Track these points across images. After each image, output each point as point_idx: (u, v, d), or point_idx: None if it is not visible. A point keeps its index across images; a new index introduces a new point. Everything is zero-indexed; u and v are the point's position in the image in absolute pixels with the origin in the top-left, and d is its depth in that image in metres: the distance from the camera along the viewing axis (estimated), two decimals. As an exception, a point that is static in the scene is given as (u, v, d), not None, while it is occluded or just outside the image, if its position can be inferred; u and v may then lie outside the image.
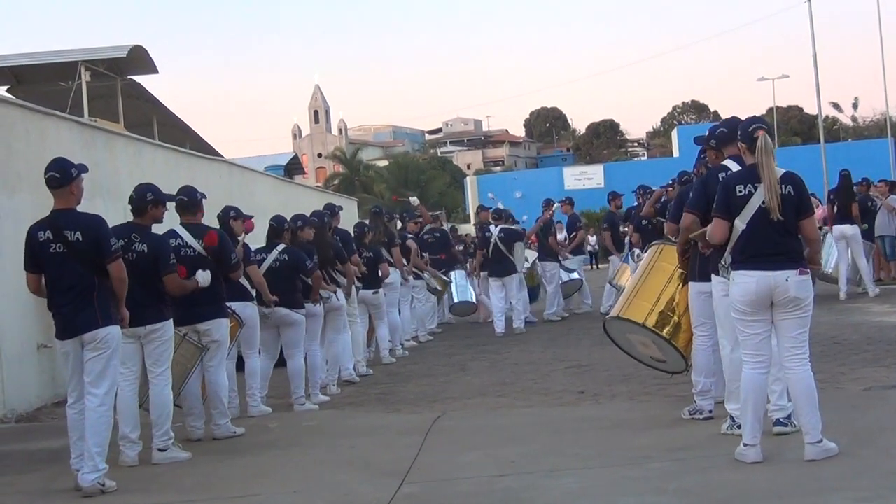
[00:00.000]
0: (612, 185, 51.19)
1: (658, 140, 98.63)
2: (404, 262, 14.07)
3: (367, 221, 13.61)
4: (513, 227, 16.24)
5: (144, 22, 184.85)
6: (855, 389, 8.31)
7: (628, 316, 7.89)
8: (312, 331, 9.95)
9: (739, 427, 6.20)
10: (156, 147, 15.13)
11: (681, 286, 7.59)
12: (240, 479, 6.73)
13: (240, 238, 9.09)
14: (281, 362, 9.80)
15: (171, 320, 7.40)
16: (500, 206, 17.97)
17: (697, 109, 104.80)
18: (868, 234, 16.92)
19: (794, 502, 5.26)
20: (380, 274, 12.47)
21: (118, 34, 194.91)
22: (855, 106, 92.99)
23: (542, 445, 7.03)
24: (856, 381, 8.67)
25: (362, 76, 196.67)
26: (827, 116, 72.13)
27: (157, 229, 7.69)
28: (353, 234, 12.47)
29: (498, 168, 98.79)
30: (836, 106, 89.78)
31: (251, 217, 9.62)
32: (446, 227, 21.83)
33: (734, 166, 6.60)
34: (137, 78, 23.09)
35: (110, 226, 6.86)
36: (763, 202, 5.91)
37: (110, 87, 22.39)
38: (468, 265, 17.98)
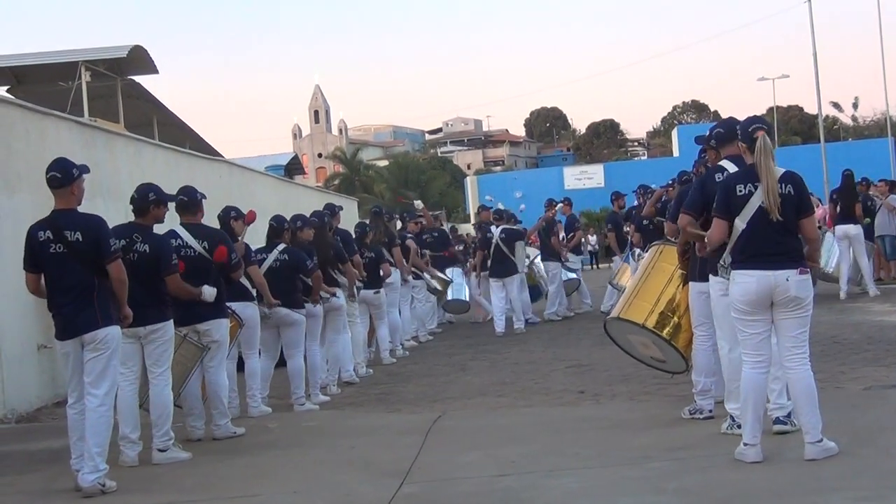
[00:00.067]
0: (612, 184, 51.16)
1: (658, 140, 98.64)
2: (404, 262, 14.08)
3: (367, 222, 13.61)
4: (514, 227, 16.23)
5: (144, 22, 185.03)
6: (855, 389, 8.31)
7: (628, 317, 7.89)
8: (312, 331, 9.95)
9: (739, 427, 6.21)
10: (156, 147, 15.13)
11: (681, 286, 7.60)
12: (240, 480, 6.73)
13: (240, 237, 9.09)
14: (281, 362, 9.80)
15: (172, 321, 7.40)
16: (501, 206, 17.97)
17: (698, 109, 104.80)
18: (868, 234, 16.93)
19: (794, 502, 5.26)
20: (381, 273, 12.49)
21: (118, 34, 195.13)
22: (855, 106, 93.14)
23: (543, 445, 7.03)
24: (856, 380, 8.67)
25: (362, 76, 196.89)
26: (827, 116, 72.16)
27: (157, 230, 7.69)
28: (354, 235, 12.48)
29: (498, 168, 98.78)
30: (836, 106, 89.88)
31: (252, 210, 9.65)
32: (446, 227, 21.85)
33: (731, 167, 6.61)
34: (137, 78, 23.11)
35: (110, 226, 6.85)
36: (763, 203, 5.91)
37: (110, 87, 22.40)
38: (468, 264, 18.01)
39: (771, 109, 61.29)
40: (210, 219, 8.71)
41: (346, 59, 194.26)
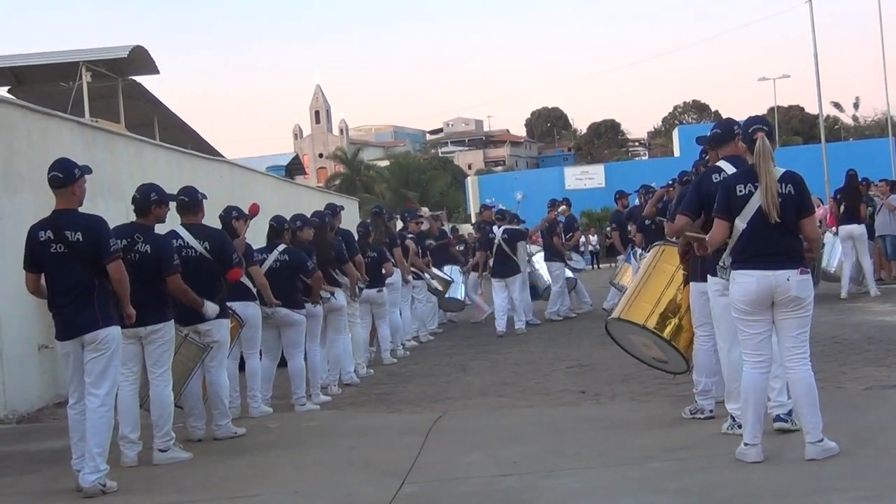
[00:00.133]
0: (612, 185, 51.11)
1: (659, 140, 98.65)
2: (404, 262, 14.09)
3: (369, 221, 13.61)
4: (516, 227, 16.23)
5: (145, 22, 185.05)
6: (856, 389, 8.31)
7: (629, 317, 7.89)
8: (312, 331, 9.95)
9: (740, 427, 6.21)
10: (157, 147, 15.12)
11: (682, 287, 7.60)
12: (240, 480, 6.73)
13: (241, 236, 9.09)
14: (281, 363, 9.80)
15: (173, 321, 7.41)
16: (501, 206, 17.97)
17: (698, 109, 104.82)
18: (868, 234, 16.93)
19: (794, 502, 5.26)
20: (383, 272, 12.51)
21: (119, 34, 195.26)
22: (856, 105, 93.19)
23: (543, 445, 7.03)
24: (856, 380, 8.68)
25: (363, 76, 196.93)
26: (828, 116, 72.18)
27: (158, 230, 7.69)
28: (356, 235, 12.50)
29: (499, 168, 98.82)
30: (837, 105, 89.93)
31: (255, 203, 9.66)
32: (447, 227, 21.86)
33: (728, 167, 6.62)
34: (138, 78, 23.09)
35: (111, 226, 6.86)
36: (762, 203, 5.92)
37: (111, 88, 22.39)
38: (468, 264, 18.06)
39: (772, 109, 61.26)
40: (211, 219, 8.71)
41: (346, 59, 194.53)
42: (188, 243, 8.05)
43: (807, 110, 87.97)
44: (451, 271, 16.94)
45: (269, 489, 6.38)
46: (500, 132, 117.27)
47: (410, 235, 15.61)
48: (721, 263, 6.17)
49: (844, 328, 12.25)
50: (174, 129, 26.02)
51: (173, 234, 8.06)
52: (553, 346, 13.41)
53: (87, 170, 6.73)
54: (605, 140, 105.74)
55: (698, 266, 6.96)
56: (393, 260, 13.20)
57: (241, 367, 9.37)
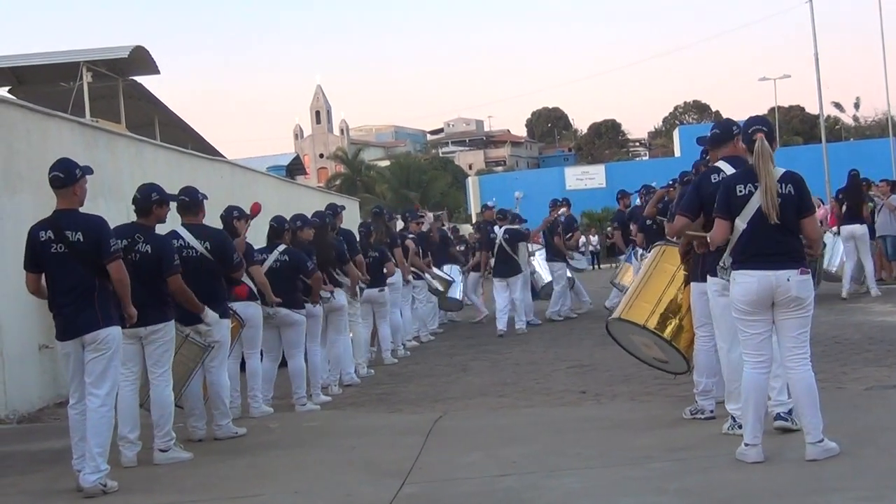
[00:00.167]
0: (613, 185, 51.11)
1: (660, 140, 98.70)
2: (404, 261, 14.11)
3: (370, 221, 13.61)
4: (517, 227, 16.23)
5: (146, 22, 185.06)
6: (856, 389, 8.31)
7: (629, 317, 7.89)
8: (312, 331, 9.95)
9: (740, 427, 6.21)
10: (157, 147, 15.13)
11: (683, 287, 7.60)
12: (241, 480, 6.73)
13: (242, 236, 9.10)
14: (282, 363, 9.80)
15: (173, 321, 7.40)
16: (517, 208, 18.01)
17: (699, 109, 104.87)
18: (869, 234, 16.93)
19: (795, 502, 5.26)
20: (385, 272, 12.53)
21: (119, 35, 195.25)
22: (856, 106, 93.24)
23: (544, 445, 7.03)
24: (857, 380, 8.67)
25: (364, 76, 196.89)
26: (829, 116, 72.23)
27: (158, 230, 7.69)
28: (359, 235, 12.53)
29: (500, 168, 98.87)
30: (837, 106, 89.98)
31: (257, 203, 9.65)
32: (447, 227, 21.87)
33: (727, 168, 6.63)
34: (139, 78, 23.11)
35: (112, 226, 6.85)
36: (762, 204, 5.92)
37: (112, 88, 22.41)
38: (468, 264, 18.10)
39: (772, 109, 61.28)
40: (212, 219, 8.71)
41: (347, 60, 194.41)
42: (189, 243, 8.05)
43: (807, 110, 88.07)
44: (450, 270, 16.96)
45: (269, 489, 6.38)
46: (501, 132, 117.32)
47: (411, 235, 15.62)
48: (721, 264, 6.17)
49: (845, 328, 12.25)
50: (175, 130, 26.04)
51: (174, 235, 8.06)
52: (554, 347, 13.41)
53: (88, 170, 6.74)
54: (606, 140, 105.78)
55: (699, 266, 6.96)
56: (394, 260, 13.22)
57: (243, 367, 9.37)
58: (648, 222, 13.58)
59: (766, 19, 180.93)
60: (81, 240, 6.47)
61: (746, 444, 5.93)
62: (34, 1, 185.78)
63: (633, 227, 14.91)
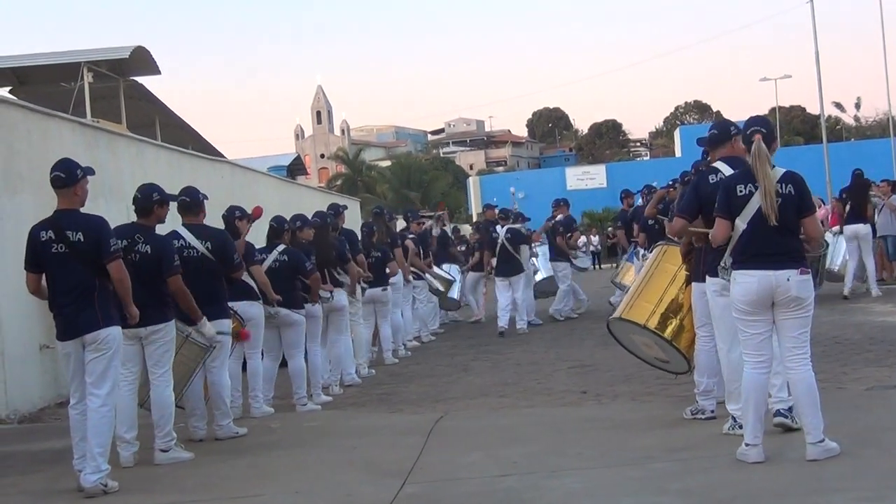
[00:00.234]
0: (614, 185, 51.10)
1: (660, 140, 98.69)
2: (405, 261, 14.12)
3: (372, 221, 13.63)
4: (518, 227, 16.24)
5: (146, 23, 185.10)
6: (857, 389, 8.31)
7: (630, 317, 7.89)
8: (312, 331, 9.95)
9: (741, 427, 6.20)
10: (158, 148, 15.13)
11: (684, 287, 7.59)
12: (242, 480, 6.73)
13: (243, 236, 9.10)
14: (282, 363, 9.80)
15: (174, 321, 7.39)
16: (519, 198, 18.07)
17: (700, 110, 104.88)
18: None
19: (795, 502, 5.26)
20: (388, 272, 12.56)
21: (120, 35, 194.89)
22: (857, 106, 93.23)
23: (545, 446, 7.03)
24: (858, 380, 8.67)
25: (364, 77, 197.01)
26: (829, 116, 72.27)
27: (160, 231, 7.69)
28: (361, 235, 12.56)
29: (500, 168, 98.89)
30: (838, 106, 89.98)
31: (258, 206, 9.65)
32: (448, 227, 21.89)
33: (725, 169, 6.63)
34: (140, 79, 23.10)
35: (113, 226, 6.85)
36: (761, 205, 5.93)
37: (112, 88, 22.40)
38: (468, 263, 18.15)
39: (773, 110, 61.31)
40: (213, 219, 8.71)
41: (348, 60, 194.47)
42: (190, 243, 8.05)
43: (808, 110, 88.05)
44: (449, 269, 16.98)
45: (270, 489, 6.38)
46: (502, 132, 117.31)
47: (412, 236, 15.63)
48: (722, 263, 6.17)
49: (846, 328, 12.24)
50: (175, 130, 26.03)
51: (175, 235, 8.06)
52: (555, 347, 13.41)
53: (89, 171, 6.74)
54: (607, 140, 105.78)
55: (700, 266, 6.96)
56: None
57: (244, 366, 9.37)
58: (651, 222, 13.57)
59: (767, 19, 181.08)
60: (82, 240, 6.47)
61: (747, 445, 5.93)
62: (35, 1, 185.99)
63: (635, 226, 14.91)
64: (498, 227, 15.96)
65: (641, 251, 13.51)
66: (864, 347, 10.60)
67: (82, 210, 6.68)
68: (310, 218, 10.66)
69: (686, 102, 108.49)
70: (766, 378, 6.07)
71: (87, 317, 6.45)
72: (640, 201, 15.77)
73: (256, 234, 10.12)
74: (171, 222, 8.09)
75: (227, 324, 8.23)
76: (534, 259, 17.33)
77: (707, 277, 6.63)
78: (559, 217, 17.52)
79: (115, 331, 6.54)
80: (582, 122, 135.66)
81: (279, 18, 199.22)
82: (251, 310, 9.04)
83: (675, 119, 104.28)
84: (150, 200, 7.48)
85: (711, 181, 6.63)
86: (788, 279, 5.86)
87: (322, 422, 8.89)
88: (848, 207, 16.43)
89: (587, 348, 12.78)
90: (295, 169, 53.80)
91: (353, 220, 20.83)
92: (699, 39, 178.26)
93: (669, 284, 7.83)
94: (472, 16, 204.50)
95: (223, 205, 9.68)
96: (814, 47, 39.44)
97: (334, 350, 10.77)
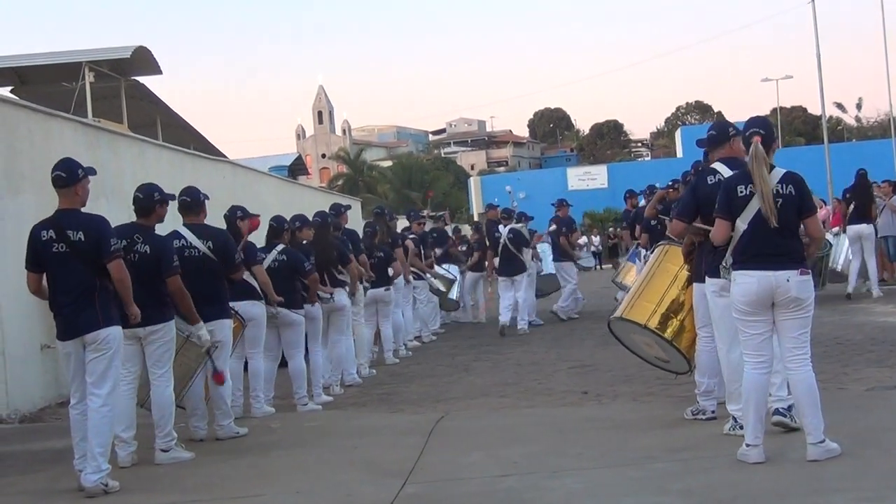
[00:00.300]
0: (615, 185, 51.07)
1: (662, 141, 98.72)
2: (405, 261, 14.13)
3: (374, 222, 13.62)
4: (520, 227, 16.24)
5: (148, 23, 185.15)
6: (858, 390, 8.31)
7: (631, 317, 7.88)
8: (312, 332, 9.95)
9: (742, 428, 6.20)
10: (160, 148, 15.13)
11: (685, 287, 7.59)
12: (242, 480, 6.73)
13: (245, 235, 9.11)
14: (283, 363, 9.80)
15: (173, 321, 7.38)
16: (517, 202, 18.12)
17: (701, 110, 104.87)
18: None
19: (796, 502, 5.26)
20: (391, 273, 12.57)
21: (122, 35, 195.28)
22: (859, 106, 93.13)
23: (545, 446, 7.03)
24: (858, 381, 8.67)
25: (366, 77, 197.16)
26: (831, 117, 72.25)
27: (161, 230, 7.69)
28: (364, 235, 12.58)
29: (502, 168, 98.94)
30: (839, 106, 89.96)
31: (258, 216, 9.63)
32: (449, 227, 21.90)
33: (723, 169, 6.64)
34: (141, 79, 23.10)
35: (113, 226, 6.85)
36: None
37: (114, 88, 22.40)
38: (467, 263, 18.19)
39: (774, 110, 61.33)
40: (215, 219, 8.71)
41: (349, 60, 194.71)
42: (191, 243, 8.05)
43: (809, 111, 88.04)
44: (448, 269, 16.99)
45: (271, 489, 6.38)
46: (503, 133, 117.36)
47: (412, 236, 15.64)
48: (724, 263, 6.17)
49: (847, 329, 12.24)
50: (177, 130, 26.03)
51: (176, 235, 8.06)
52: (555, 347, 13.41)
53: (91, 171, 6.74)
54: (608, 141, 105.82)
55: (702, 266, 6.96)
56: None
57: (245, 366, 9.37)
58: (653, 222, 13.58)
59: (768, 20, 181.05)
60: (83, 239, 6.47)
61: (748, 445, 5.93)
62: (36, 1, 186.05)
63: (637, 227, 14.92)
64: (500, 227, 15.98)
65: (643, 251, 13.51)
66: (866, 348, 10.59)
67: (83, 210, 6.68)
68: (311, 218, 10.66)
69: (687, 103, 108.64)
70: (766, 378, 6.07)
71: (88, 317, 6.45)
72: (643, 202, 15.78)
73: (256, 234, 10.12)
74: (173, 222, 8.09)
75: (228, 324, 8.22)
76: (537, 261, 17.37)
77: (707, 278, 6.63)
78: (552, 228, 17.55)
79: (116, 331, 6.54)
80: (583, 123, 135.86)
81: (280, 18, 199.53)
82: (253, 310, 9.04)
83: (677, 119, 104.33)
84: (151, 200, 7.48)
85: (710, 182, 6.64)
86: (788, 280, 5.86)
87: (323, 422, 8.89)
88: (852, 207, 16.40)
89: (588, 348, 12.78)
90: (296, 169, 53.82)
91: (355, 220, 20.81)
92: (700, 39, 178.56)
93: (671, 284, 7.82)
94: (472, 16, 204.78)
95: (224, 205, 9.68)
96: (815, 48, 39.41)
97: (335, 350, 10.77)
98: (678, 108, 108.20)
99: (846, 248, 16.16)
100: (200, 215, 8.27)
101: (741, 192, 6.01)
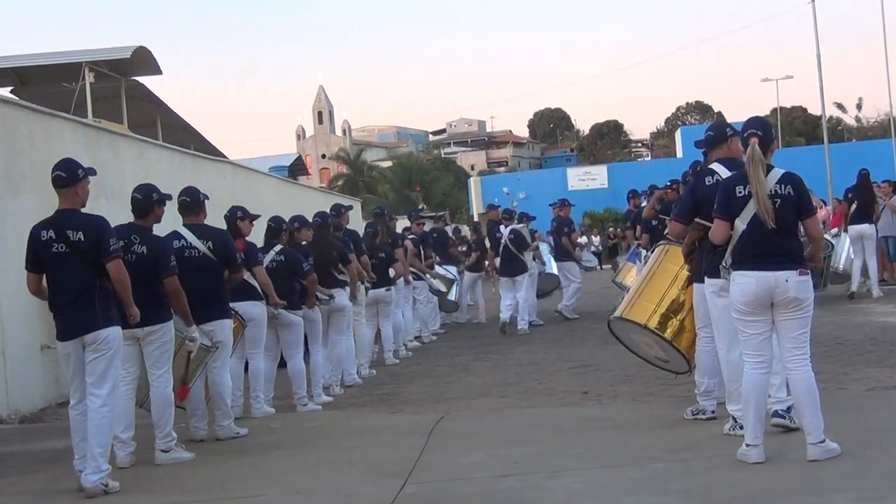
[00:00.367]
0: (615, 185, 50.98)
1: (662, 141, 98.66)
2: (405, 261, 14.14)
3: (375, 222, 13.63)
4: (520, 227, 16.25)
5: (148, 23, 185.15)
6: (858, 390, 8.31)
7: (631, 317, 7.88)
8: (313, 332, 9.95)
9: (742, 428, 6.21)
10: (160, 148, 15.14)
11: (685, 287, 7.59)
12: (243, 480, 6.74)
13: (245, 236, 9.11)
14: (282, 363, 9.80)
15: (171, 322, 7.37)
16: (516, 202, 18.12)
17: (701, 110, 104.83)
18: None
19: (796, 502, 5.26)
20: (392, 274, 12.57)
21: (122, 35, 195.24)
22: (859, 107, 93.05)
23: (546, 446, 7.03)
24: (858, 381, 8.67)
25: (366, 77, 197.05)
26: (831, 117, 72.21)
27: (161, 231, 7.69)
28: (366, 235, 12.60)
29: (502, 169, 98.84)
30: (839, 106, 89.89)
31: (258, 216, 9.64)
32: (450, 227, 21.92)
33: (722, 170, 6.64)
34: (141, 79, 23.09)
35: (113, 227, 6.85)
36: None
37: (114, 88, 22.39)
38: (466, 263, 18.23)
39: (775, 110, 61.31)
40: (215, 219, 8.71)
41: (349, 60, 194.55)
42: (191, 243, 8.05)
43: (810, 111, 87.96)
44: (448, 270, 17.01)
45: (271, 489, 6.38)
46: (503, 133, 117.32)
47: (411, 236, 15.64)
48: (723, 264, 6.17)
49: (847, 329, 12.24)
50: (177, 130, 26.02)
51: (176, 235, 8.06)
52: (556, 347, 13.42)
53: (91, 171, 6.74)
54: (608, 141, 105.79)
55: (702, 267, 6.96)
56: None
57: (246, 367, 9.36)
58: (654, 222, 13.58)
59: (769, 20, 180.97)
60: (82, 239, 6.47)
61: (748, 445, 5.93)
62: (36, 1, 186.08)
63: (638, 227, 14.93)
64: (501, 227, 15.99)
65: (643, 251, 13.51)
66: (866, 348, 10.59)
67: (83, 210, 6.68)
68: (311, 218, 10.65)
69: (687, 103, 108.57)
70: (766, 378, 6.07)
71: (88, 317, 6.45)
72: (646, 202, 15.79)
73: (255, 235, 10.12)
74: (173, 223, 8.09)
75: (228, 324, 8.23)
76: (539, 261, 17.39)
77: (706, 278, 6.63)
78: (561, 216, 17.56)
79: (116, 331, 6.54)
80: (583, 123, 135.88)
81: (280, 18, 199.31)
82: (254, 310, 9.03)
83: (677, 119, 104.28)
84: (150, 200, 7.48)
85: (708, 183, 6.65)
86: (787, 280, 5.86)
87: (323, 422, 8.89)
88: (854, 207, 16.40)
89: (588, 348, 12.78)
90: (296, 169, 53.79)
91: (355, 220, 20.80)
92: (700, 40, 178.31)
93: (671, 284, 7.82)
94: (473, 16, 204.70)
95: (224, 205, 9.68)
96: (815, 48, 39.39)
97: (335, 350, 10.76)
98: (678, 108, 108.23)
99: (847, 248, 16.16)
100: (200, 215, 8.27)
101: (739, 192, 6.01)
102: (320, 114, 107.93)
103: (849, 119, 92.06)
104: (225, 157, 23.95)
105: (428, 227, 18.59)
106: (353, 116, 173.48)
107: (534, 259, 16.97)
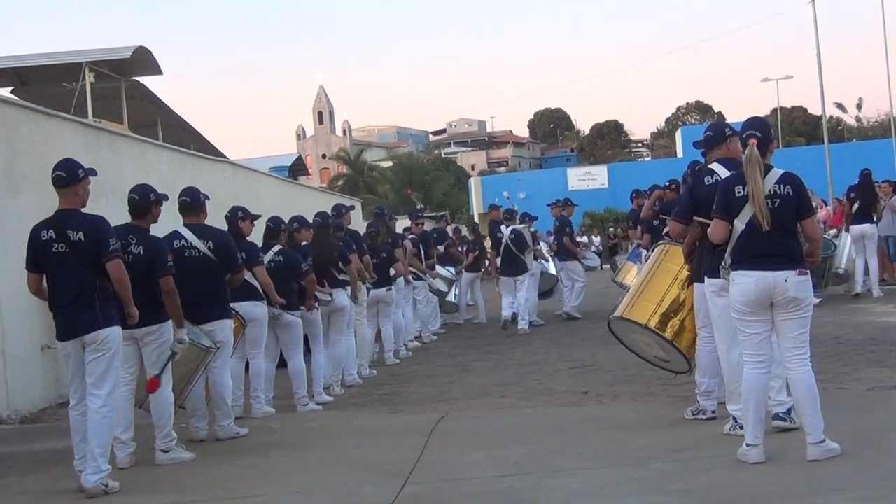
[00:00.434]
0: (615, 185, 50.96)
1: (662, 141, 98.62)
2: (404, 261, 14.15)
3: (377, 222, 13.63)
4: (521, 228, 16.26)
5: (148, 23, 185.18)
6: (858, 390, 8.31)
7: (631, 316, 7.88)
8: (313, 333, 9.94)
9: (742, 427, 6.21)
10: (160, 148, 15.14)
11: (686, 287, 7.59)
12: (243, 480, 6.74)
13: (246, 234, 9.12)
14: (282, 363, 9.79)
15: (170, 322, 7.35)
16: (517, 205, 18.12)
17: (702, 110, 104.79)
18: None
19: (796, 502, 5.26)
20: (392, 274, 12.58)
21: (122, 35, 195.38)
22: (859, 107, 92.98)
23: (546, 446, 7.04)
24: (859, 381, 8.67)
25: (366, 77, 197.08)
26: (831, 117, 72.18)
27: (161, 231, 7.68)
28: (367, 235, 12.60)
29: (502, 169, 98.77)
30: (840, 106, 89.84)
31: (258, 216, 9.63)
32: (450, 227, 21.91)
33: (721, 170, 6.64)
34: (141, 79, 23.10)
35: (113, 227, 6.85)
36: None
37: (114, 89, 22.40)
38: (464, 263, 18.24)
39: (775, 110, 61.30)
40: (215, 219, 8.71)
41: (349, 60, 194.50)
42: (192, 244, 8.04)
43: (810, 111, 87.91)
44: (447, 270, 17.02)
45: (271, 489, 6.39)
46: (503, 133, 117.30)
47: (411, 236, 15.65)
48: (723, 264, 6.17)
49: (847, 329, 12.24)
50: (177, 130, 26.03)
51: (176, 235, 8.06)
52: (556, 347, 13.42)
53: (92, 172, 6.74)
54: (608, 141, 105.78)
55: (702, 266, 6.96)
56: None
57: (247, 367, 9.36)
58: (655, 222, 13.58)
59: (769, 20, 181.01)
60: (82, 239, 6.47)
61: (748, 445, 5.93)
62: (36, 1, 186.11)
63: (639, 227, 14.92)
64: (502, 228, 16.01)
65: (643, 251, 13.51)
66: (866, 348, 10.59)
67: (84, 210, 6.68)
68: (311, 219, 10.65)
69: (687, 103, 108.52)
70: (766, 378, 6.07)
71: (87, 317, 6.45)
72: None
73: (255, 235, 10.11)
74: (173, 223, 8.09)
75: (228, 324, 8.23)
76: (543, 261, 17.40)
77: (706, 278, 6.64)
78: (564, 215, 17.57)
79: (116, 331, 6.54)
80: (583, 123, 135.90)
81: (280, 18, 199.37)
82: (254, 310, 9.03)
83: (677, 119, 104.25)
84: (147, 201, 7.47)
85: (707, 183, 6.66)
86: (786, 280, 5.86)
87: (323, 422, 8.90)
88: (856, 207, 16.41)
89: (588, 348, 12.78)
90: (296, 169, 53.83)
91: (355, 220, 20.80)
92: (700, 40, 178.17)
93: (671, 284, 7.82)
94: (473, 16, 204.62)
95: (224, 205, 9.68)
96: (815, 48, 39.41)
97: (336, 350, 10.75)
98: (678, 108, 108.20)
99: (849, 248, 16.16)
100: (201, 216, 8.27)
101: (738, 192, 6.01)
102: (320, 114, 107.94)
103: (849, 119, 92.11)
104: (225, 157, 23.96)
105: (429, 227, 18.59)
106: (354, 116, 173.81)
107: (535, 259, 16.97)
